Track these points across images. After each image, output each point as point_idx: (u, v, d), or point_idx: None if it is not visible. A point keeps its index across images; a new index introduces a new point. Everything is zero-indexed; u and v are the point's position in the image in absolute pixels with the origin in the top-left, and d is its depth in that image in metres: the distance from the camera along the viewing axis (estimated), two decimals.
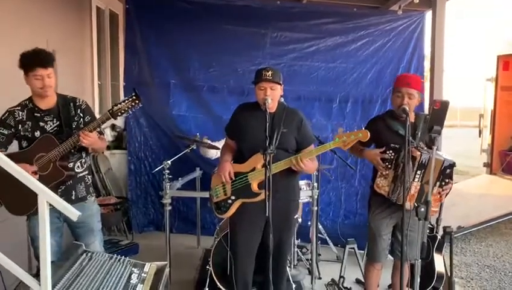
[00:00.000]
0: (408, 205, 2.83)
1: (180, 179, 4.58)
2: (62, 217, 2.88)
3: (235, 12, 5.43)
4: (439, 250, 3.87)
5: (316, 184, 4.20)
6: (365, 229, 4.72)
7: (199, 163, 5.23)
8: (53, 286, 2.00)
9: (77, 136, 2.77)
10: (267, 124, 2.80)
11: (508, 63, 8.72)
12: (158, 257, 3.13)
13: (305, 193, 4.16)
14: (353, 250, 4.30)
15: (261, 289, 3.14)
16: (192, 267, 4.56)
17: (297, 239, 4.50)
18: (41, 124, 2.90)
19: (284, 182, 2.99)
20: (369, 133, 2.79)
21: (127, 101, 2.82)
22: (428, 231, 3.65)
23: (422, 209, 2.71)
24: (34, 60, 2.77)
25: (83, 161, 3.05)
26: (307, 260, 4.63)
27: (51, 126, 2.92)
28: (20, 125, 2.88)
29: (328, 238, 4.99)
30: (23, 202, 2.62)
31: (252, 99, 3.13)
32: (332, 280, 4.24)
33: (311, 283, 4.26)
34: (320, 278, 4.42)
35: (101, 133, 3.03)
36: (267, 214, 2.63)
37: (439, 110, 2.76)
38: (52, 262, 2.01)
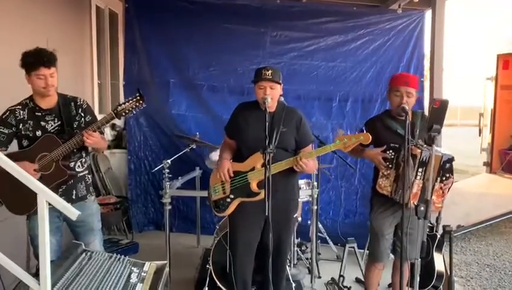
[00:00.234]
0: (412, 203, 2.83)
1: (180, 178, 4.58)
2: (62, 216, 2.88)
3: (235, 11, 5.42)
4: (439, 249, 3.87)
5: (315, 183, 4.20)
6: (365, 229, 4.73)
7: (199, 162, 5.24)
8: (52, 286, 2.00)
9: (81, 135, 2.79)
10: (267, 124, 2.80)
11: (508, 62, 8.72)
12: (158, 256, 3.13)
13: (305, 192, 4.16)
14: (353, 249, 4.30)
15: (261, 288, 3.14)
16: (192, 266, 4.56)
17: (297, 238, 4.50)
18: (43, 123, 2.90)
19: (284, 181, 2.98)
20: (370, 136, 2.78)
21: (131, 101, 2.83)
22: (428, 230, 3.66)
23: (422, 208, 2.71)
24: (37, 60, 2.77)
25: (83, 160, 3.06)
26: (307, 259, 4.63)
27: (52, 125, 2.92)
28: (21, 125, 2.88)
29: (327, 238, 4.99)
30: (24, 202, 2.62)
31: (252, 98, 3.13)
32: (332, 279, 4.24)
33: (311, 282, 4.26)
34: (320, 277, 4.42)
35: (101, 132, 3.03)
36: (266, 214, 2.63)
37: (439, 109, 2.76)
38: (51, 261, 2.01)
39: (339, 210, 5.53)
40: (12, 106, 2.90)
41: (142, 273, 2.42)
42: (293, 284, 3.91)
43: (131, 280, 2.32)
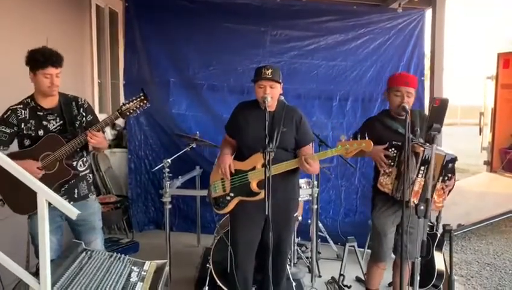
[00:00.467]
0: (413, 201, 2.83)
1: (180, 177, 4.58)
2: (64, 215, 2.88)
3: (235, 10, 5.41)
4: (439, 248, 3.88)
5: (316, 182, 4.20)
6: (365, 228, 4.75)
7: (199, 161, 5.24)
8: (53, 285, 2.00)
9: (84, 135, 2.80)
10: (267, 123, 2.80)
11: (508, 61, 8.71)
12: (158, 256, 3.14)
13: (305, 191, 4.16)
14: (353, 248, 4.30)
15: (261, 287, 3.14)
16: (192, 265, 4.56)
17: (297, 237, 4.50)
18: (45, 122, 2.91)
19: (284, 181, 2.98)
20: (372, 144, 2.77)
21: (135, 101, 2.85)
22: (428, 229, 3.65)
23: (422, 207, 2.71)
24: (47, 59, 2.78)
25: (85, 159, 3.08)
26: (307, 258, 4.63)
27: (54, 125, 2.93)
28: (22, 124, 2.88)
29: (328, 237, 5.00)
30: (27, 201, 2.62)
31: (252, 97, 3.12)
32: (333, 278, 4.25)
33: (311, 281, 4.25)
34: (320, 276, 4.42)
35: (102, 132, 3.04)
36: (266, 213, 2.63)
37: (439, 108, 2.76)
38: (51, 260, 2.01)
39: (339, 209, 5.53)
40: (13, 105, 2.90)
41: (142, 273, 2.43)
42: (293, 283, 3.92)
43: (131, 279, 2.32)
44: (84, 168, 3.06)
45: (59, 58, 2.84)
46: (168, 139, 5.53)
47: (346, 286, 4.13)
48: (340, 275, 4.18)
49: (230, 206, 3.07)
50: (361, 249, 4.56)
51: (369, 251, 4.49)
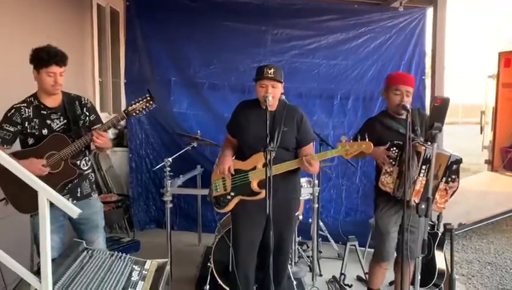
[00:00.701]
0: (413, 201, 2.83)
1: (181, 176, 4.59)
2: (66, 214, 2.89)
3: (236, 9, 5.41)
4: (440, 247, 3.87)
5: (316, 181, 4.20)
6: (366, 227, 4.75)
7: (200, 160, 5.24)
8: (54, 284, 2.00)
9: (90, 135, 2.81)
10: (268, 122, 2.79)
11: (509, 60, 8.71)
12: (159, 254, 3.15)
13: (306, 190, 4.16)
14: (354, 247, 4.30)
15: (262, 286, 3.15)
16: (193, 264, 4.57)
17: (298, 236, 4.50)
18: (48, 121, 2.91)
19: (285, 180, 2.98)
20: (372, 145, 2.76)
21: (141, 102, 2.87)
22: (429, 228, 3.65)
23: (423, 206, 2.71)
24: (51, 57, 2.78)
25: (87, 158, 3.09)
26: (308, 257, 4.63)
27: (57, 124, 2.93)
28: (26, 123, 2.88)
29: (329, 236, 5.00)
30: (30, 200, 2.63)
31: (253, 96, 3.12)
32: (333, 277, 4.25)
33: (312, 280, 4.26)
34: (321, 275, 4.42)
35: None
36: (267, 212, 2.63)
37: (440, 107, 2.76)
38: (52, 260, 2.02)
39: (340, 208, 5.53)
40: (17, 104, 2.90)
41: (144, 272, 2.43)
42: (294, 282, 3.92)
43: (132, 278, 2.32)
44: (87, 167, 3.08)
45: (63, 57, 2.85)
46: (169, 138, 5.53)
47: (347, 285, 4.13)
48: (341, 274, 4.18)
49: (231, 205, 3.07)
50: (362, 248, 4.56)
51: (370, 250, 4.50)
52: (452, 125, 18.50)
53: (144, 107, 2.86)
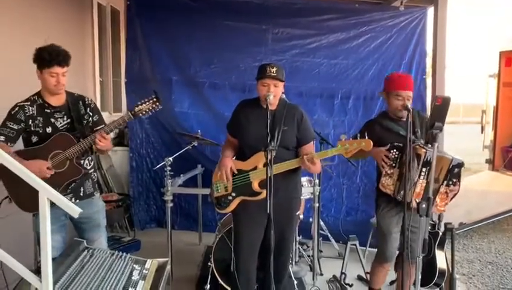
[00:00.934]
0: (414, 203, 2.82)
1: (181, 175, 4.59)
2: (68, 214, 2.90)
3: (237, 8, 5.40)
4: (441, 246, 3.87)
5: (317, 181, 4.20)
6: (367, 226, 4.75)
7: (201, 160, 5.24)
8: (54, 283, 2.00)
9: (93, 137, 2.82)
10: (268, 121, 2.79)
11: (510, 59, 8.70)
12: (160, 254, 3.14)
13: (307, 189, 4.16)
14: (355, 246, 4.30)
15: (263, 285, 3.14)
16: (193, 264, 4.57)
17: (298, 236, 4.50)
18: (52, 120, 2.92)
19: (286, 180, 2.97)
20: (372, 143, 2.75)
21: (148, 103, 2.88)
22: (430, 227, 3.65)
23: (424, 205, 2.71)
24: (53, 58, 2.78)
25: (90, 158, 3.09)
26: (309, 256, 4.63)
27: (61, 123, 2.94)
28: (30, 121, 2.88)
29: (329, 235, 5.00)
30: (33, 199, 2.63)
31: (254, 95, 3.12)
32: (334, 276, 4.25)
33: (313, 280, 4.26)
34: (321, 274, 4.42)
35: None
36: (268, 211, 2.62)
37: (441, 107, 2.76)
38: (53, 259, 2.02)
39: (341, 208, 5.53)
40: (20, 102, 2.90)
41: (144, 271, 2.43)
42: (295, 282, 3.92)
43: (133, 277, 2.32)
44: (90, 167, 3.08)
45: (66, 57, 2.85)
46: (169, 137, 5.53)
47: (347, 284, 4.13)
48: (342, 273, 4.18)
49: (232, 206, 3.06)
50: (362, 248, 4.56)
51: (370, 249, 4.50)
52: (453, 124, 18.50)
53: (151, 108, 2.87)
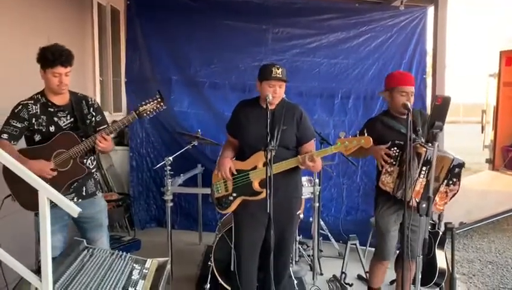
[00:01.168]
0: (416, 200, 2.83)
1: (181, 175, 4.59)
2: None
3: (237, 8, 5.40)
4: (441, 246, 3.87)
5: (317, 180, 4.20)
6: (367, 226, 4.75)
7: (201, 159, 5.24)
8: (54, 282, 2.00)
9: (94, 138, 2.83)
10: (268, 120, 2.79)
11: (510, 59, 8.71)
12: (160, 253, 3.14)
13: (307, 189, 4.16)
14: (355, 246, 4.30)
15: (263, 285, 3.14)
16: (193, 263, 4.57)
17: (299, 235, 4.50)
18: (56, 119, 2.92)
19: (286, 179, 2.97)
20: (371, 140, 2.75)
21: (152, 103, 2.89)
22: (430, 227, 3.65)
23: (424, 205, 2.71)
24: (56, 58, 2.79)
25: (92, 157, 3.10)
26: (309, 256, 4.63)
27: (64, 122, 2.94)
28: (33, 119, 2.88)
29: (329, 235, 5.00)
30: (35, 198, 2.64)
31: (254, 95, 3.12)
32: (334, 276, 4.25)
33: (313, 279, 4.26)
34: (321, 274, 4.42)
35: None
36: (268, 211, 2.62)
37: (441, 106, 2.76)
38: (53, 258, 2.02)
39: (341, 207, 5.53)
40: (24, 100, 2.91)
41: (144, 270, 2.43)
42: (295, 281, 3.92)
43: (133, 277, 2.32)
44: (92, 166, 3.09)
45: (69, 57, 2.85)
46: (169, 137, 5.53)
47: (347, 284, 4.13)
48: (342, 273, 4.18)
49: (233, 206, 3.06)
50: (363, 247, 4.56)
51: (370, 249, 4.49)
52: (453, 124, 18.49)
53: (155, 108, 2.88)
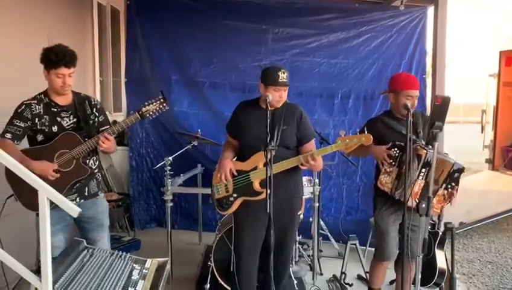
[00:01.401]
0: (411, 202, 2.83)
1: (181, 175, 4.59)
2: None
3: (236, 8, 5.40)
4: (441, 246, 3.86)
5: (317, 180, 4.20)
6: (367, 226, 4.75)
7: (200, 159, 5.24)
8: (54, 283, 2.00)
9: (97, 138, 2.83)
10: (268, 121, 2.79)
11: (510, 59, 8.70)
12: (160, 253, 3.14)
13: (307, 189, 4.16)
14: (355, 246, 4.30)
15: (263, 285, 3.14)
16: (193, 263, 4.57)
17: (298, 235, 4.50)
18: (59, 119, 2.93)
19: (286, 179, 2.97)
20: (371, 137, 2.76)
21: (155, 103, 2.89)
22: (430, 227, 3.65)
23: (424, 205, 2.71)
24: (60, 59, 2.79)
25: (95, 158, 3.10)
26: (309, 256, 4.63)
27: (67, 122, 2.94)
28: (36, 119, 2.88)
29: (329, 235, 5.00)
30: (36, 198, 2.64)
31: (254, 95, 3.12)
32: (334, 276, 4.25)
33: (313, 279, 4.26)
34: (321, 274, 4.42)
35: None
36: (268, 211, 2.62)
37: (441, 106, 2.76)
38: (53, 258, 2.02)
39: (341, 207, 5.53)
40: (27, 100, 2.91)
41: (144, 270, 2.43)
42: (295, 281, 3.92)
43: (132, 277, 2.32)
44: (95, 166, 3.10)
45: (72, 58, 2.85)
46: (169, 137, 5.53)
47: (347, 284, 4.13)
48: (342, 273, 4.18)
49: (234, 207, 3.06)
50: (362, 247, 4.56)
51: (370, 248, 4.50)
52: (453, 124, 18.52)
53: (158, 108, 2.89)
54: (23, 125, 2.86)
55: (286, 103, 3.07)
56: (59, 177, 2.80)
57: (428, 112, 4.42)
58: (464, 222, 5.99)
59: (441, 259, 3.81)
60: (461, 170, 3.05)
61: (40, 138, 2.90)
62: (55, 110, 2.93)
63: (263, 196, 2.85)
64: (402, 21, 5.49)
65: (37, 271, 2.01)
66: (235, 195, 3.04)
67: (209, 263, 3.82)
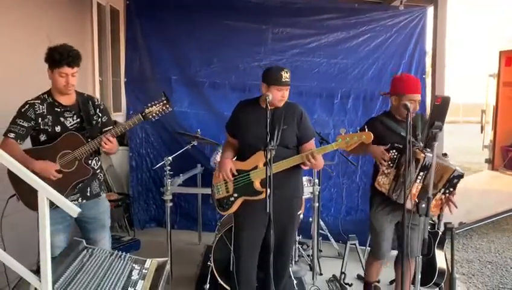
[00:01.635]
0: (409, 203, 2.83)
1: (181, 175, 4.59)
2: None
3: (236, 8, 5.39)
4: (441, 246, 3.87)
5: (317, 180, 4.20)
6: (367, 226, 4.73)
7: (200, 159, 5.24)
8: (54, 283, 2.00)
9: (100, 139, 2.83)
10: (268, 120, 2.79)
11: (510, 59, 8.71)
12: (159, 253, 3.14)
13: (307, 189, 4.16)
14: (354, 246, 4.30)
15: (263, 285, 3.15)
16: (193, 263, 4.57)
17: (298, 235, 4.50)
18: (62, 119, 2.93)
19: (286, 179, 2.98)
20: (372, 135, 2.76)
21: (158, 105, 2.90)
22: (429, 227, 3.65)
23: (423, 205, 2.71)
24: (64, 58, 2.80)
25: (97, 158, 3.11)
26: (308, 256, 4.63)
27: (70, 122, 2.95)
28: (40, 119, 2.89)
29: (329, 234, 5.00)
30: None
31: (254, 95, 3.13)
32: (334, 276, 4.25)
33: (313, 279, 4.26)
34: (321, 274, 4.42)
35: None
36: (267, 210, 2.62)
37: (440, 106, 2.77)
38: (53, 258, 2.02)
39: (341, 207, 5.52)
40: (30, 100, 2.91)
41: (144, 270, 2.43)
42: (295, 281, 3.92)
43: (132, 277, 2.32)
44: (97, 167, 3.10)
45: (76, 58, 2.86)
46: (169, 136, 5.53)
47: (347, 283, 4.13)
48: (342, 273, 4.18)
49: (235, 207, 3.06)
50: (362, 247, 4.56)
51: (370, 249, 4.50)
52: (453, 124, 18.52)
53: (161, 110, 2.90)
54: (26, 125, 2.86)
55: (286, 102, 3.07)
56: (61, 178, 2.80)
57: (428, 112, 4.42)
58: (464, 222, 6.00)
59: (441, 259, 3.81)
60: (461, 176, 3.07)
61: (43, 137, 2.90)
62: (59, 110, 2.93)
63: (264, 195, 2.86)
64: (402, 21, 5.48)
65: (37, 271, 2.01)
66: (235, 195, 3.04)
67: (208, 263, 3.82)
